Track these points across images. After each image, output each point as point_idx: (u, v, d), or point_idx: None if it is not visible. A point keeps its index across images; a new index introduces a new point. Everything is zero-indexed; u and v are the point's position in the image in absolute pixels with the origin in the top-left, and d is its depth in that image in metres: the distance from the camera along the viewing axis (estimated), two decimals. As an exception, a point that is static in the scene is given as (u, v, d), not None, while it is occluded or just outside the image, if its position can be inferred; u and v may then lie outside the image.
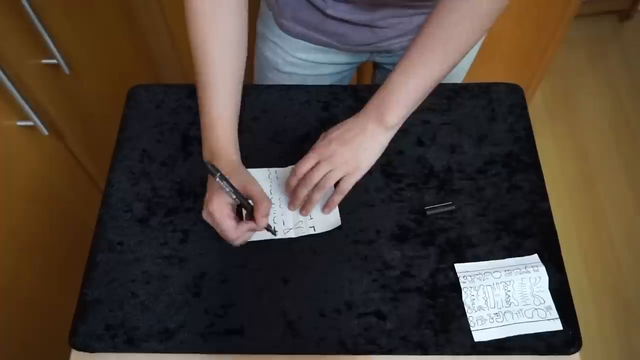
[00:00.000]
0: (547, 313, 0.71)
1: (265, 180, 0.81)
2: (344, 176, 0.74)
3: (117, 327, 0.71)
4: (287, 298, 0.72)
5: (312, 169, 0.74)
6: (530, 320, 0.70)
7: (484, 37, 0.98)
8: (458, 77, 1.05)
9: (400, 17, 0.85)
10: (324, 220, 0.78)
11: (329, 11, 0.84)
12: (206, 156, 0.73)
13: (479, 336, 0.70)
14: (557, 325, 0.70)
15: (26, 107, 0.87)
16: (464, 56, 0.71)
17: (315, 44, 0.93)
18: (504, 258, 0.75)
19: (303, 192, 0.75)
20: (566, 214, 1.71)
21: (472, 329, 0.70)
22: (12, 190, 0.92)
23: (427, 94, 0.73)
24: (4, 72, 0.82)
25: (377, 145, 0.74)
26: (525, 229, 0.77)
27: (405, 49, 0.72)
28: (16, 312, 0.97)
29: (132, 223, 0.78)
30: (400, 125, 0.74)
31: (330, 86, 0.92)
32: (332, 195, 0.76)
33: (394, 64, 0.73)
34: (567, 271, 0.74)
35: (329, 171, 0.73)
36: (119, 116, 0.89)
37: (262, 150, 0.84)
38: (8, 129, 0.89)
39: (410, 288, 0.73)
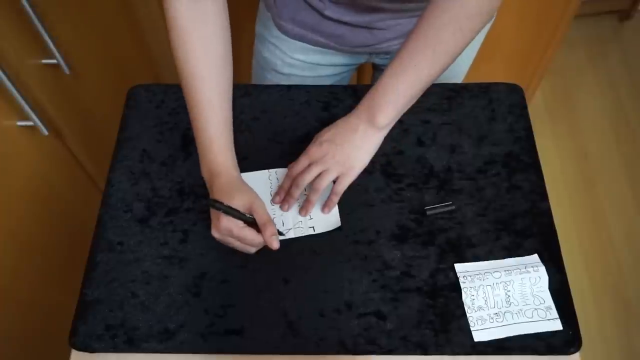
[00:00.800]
0: (547, 313, 0.71)
1: (265, 181, 0.81)
2: (339, 177, 0.74)
3: (117, 327, 0.71)
4: (287, 298, 0.72)
5: (304, 170, 0.74)
6: (530, 320, 0.70)
7: (483, 38, 0.98)
8: (458, 77, 1.05)
9: (398, 18, 0.85)
10: (323, 220, 0.78)
11: (327, 12, 0.84)
12: (205, 173, 0.73)
13: (479, 336, 0.70)
14: (557, 325, 0.70)
15: (26, 107, 0.87)
16: (454, 59, 0.71)
17: (314, 45, 0.93)
18: (504, 258, 0.75)
19: (296, 193, 0.76)
20: (566, 214, 1.71)
21: (472, 329, 0.70)
22: (11, 190, 0.92)
23: (418, 95, 0.73)
24: (4, 72, 0.82)
25: (370, 145, 0.74)
26: (525, 229, 0.77)
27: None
28: (16, 312, 0.97)
29: (132, 223, 0.78)
30: (391, 126, 0.74)
31: (330, 86, 0.92)
32: (329, 196, 0.76)
33: None
34: (567, 271, 0.74)
35: (323, 172, 0.73)
36: (119, 116, 0.89)
37: (262, 151, 0.84)
38: (8, 129, 0.89)
39: (410, 288, 0.73)
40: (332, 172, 0.73)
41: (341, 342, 0.70)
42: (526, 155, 0.84)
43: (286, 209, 0.78)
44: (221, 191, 0.70)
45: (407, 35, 0.71)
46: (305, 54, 0.94)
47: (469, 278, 0.72)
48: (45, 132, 0.92)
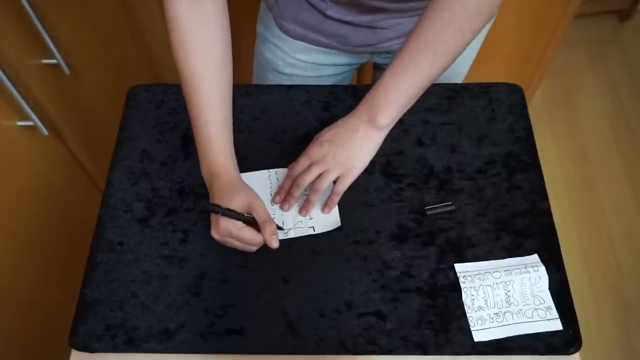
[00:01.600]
0: (547, 313, 0.71)
1: (265, 181, 0.81)
2: (339, 177, 0.74)
3: (117, 327, 0.71)
4: (287, 298, 0.72)
5: (304, 171, 0.74)
6: (530, 320, 0.70)
7: (483, 37, 0.98)
8: (458, 77, 1.05)
9: (399, 17, 0.85)
10: (323, 220, 0.78)
11: (329, 12, 0.84)
12: (204, 174, 0.74)
13: (479, 336, 0.70)
14: (557, 325, 0.70)
15: (26, 107, 0.87)
16: (455, 59, 0.71)
17: (316, 45, 0.93)
18: (504, 258, 0.75)
19: (296, 193, 0.76)
20: (566, 214, 1.71)
21: (472, 329, 0.70)
22: (11, 190, 0.92)
23: (419, 95, 0.73)
24: (4, 72, 0.82)
25: (371, 145, 0.74)
26: (525, 229, 0.77)
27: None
28: (16, 312, 0.97)
29: (132, 223, 0.78)
30: (392, 126, 0.74)
31: (330, 86, 0.92)
32: (329, 196, 0.76)
33: None
34: (567, 271, 0.74)
35: (323, 172, 0.73)
36: (119, 116, 0.89)
37: (262, 151, 0.84)
38: (8, 129, 0.89)
39: (410, 288, 0.73)
40: (332, 172, 0.73)
41: (341, 342, 0.70)
42: (526, 155, 0.84)
43: (286, 209, 0.78)
44: (220, 191, 0.71)
45: (407, 35, 0.71)
46: (307, 54, 0.94)
47: (469, 278, 0.72)
48: (45, 132, 0.92)
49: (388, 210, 0.79)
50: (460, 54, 0.71)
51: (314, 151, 0.74)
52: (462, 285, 0.72)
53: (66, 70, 0.97)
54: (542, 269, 0.72)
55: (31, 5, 0.86)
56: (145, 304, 0.72)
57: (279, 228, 0.75)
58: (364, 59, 0.98)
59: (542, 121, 1.88)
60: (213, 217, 0.71)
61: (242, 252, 0.73)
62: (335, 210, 0.79)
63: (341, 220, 0.78)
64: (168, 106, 0.89)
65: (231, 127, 0.75)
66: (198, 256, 0.76)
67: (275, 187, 0.81)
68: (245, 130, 0.86)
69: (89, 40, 1.12)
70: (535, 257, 0.75)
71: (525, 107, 0.88)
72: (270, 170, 0.83)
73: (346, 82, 1.07)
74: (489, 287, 0.72)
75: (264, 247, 0.75)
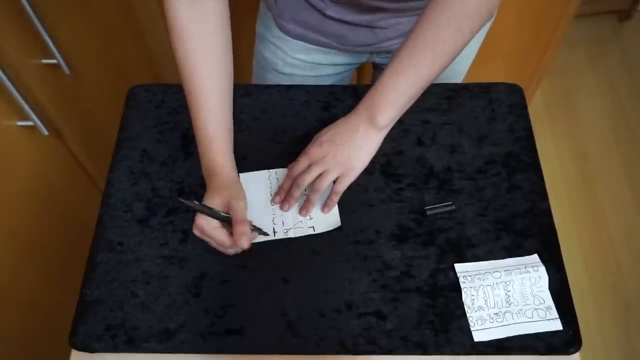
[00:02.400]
0: (547, 313, 0.71)
1: (265, 181, 0.81)
2: (339, 177, 0.74)
3: (117, 327, 0.71)
4: (287, 298, 0.72)
5: (304, 171, 0.74)
6: (530, 320, 0.70)
7: (483, 37, 0.98)
8: (458, 76, 1.05)
9: (399, 17, 0.85)
10: (323, 220, 0.78)
11: (329, 12, 0.84)
12: (204, 172, 0.74)
13: (479, 336, 0.70)
14: (557, 325, 0.70)
15: (26, 107, 0.87)
16: (454, 58, 0.71)
17: (315, 45, 0.93)
18: (504, 258, 0.75)
19: (296, 193, 0.76)
20: (566, 214, 1.71)
21: (472, 329, 0.70)
22: (11, 190, 0.92)
23: (418, 95, 0.73)
24: (4, 72, 0.82)
25: (371, 145, 0.74)
26: (525, 229, 0.77)
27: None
28: (16, 312, 0.97)
29: (132, 223, 0.78)
30: (392, 126, 0.74)
31: (330, 86, 0.92)
32: (329, 196, 0.76)
33: None
34: (567, 271, 0.74)
35: (323, 172, 0.73)
36: (119, 116, 0.89)
37: (262, 150, 0.84)
38: (8, 129, 0.89)
39: (410, 288, 0.73)
40: (332, 172, 0.74)
41: (341, 342, 0.70)
42: (526, 155, 0.84)
43: (286, 209, 0.78)
44: (212, 190, 0.71)
45: (406, 34, 0.71)
46: (307, 53, 0.94)
47: (469, 278, 0.72)
48: (45, 132, 0.92)
49: (388, 210, 0.79)
50: (459, 53, 0.71)
51: (314, 151, 0.74)
52: (462, 285, 0.72)
53: (66, 70, 0.97)
54: (542, 269, 0.72)
55: (31, 5, 0.86)
56: (145, 304, 0.72)
57: (263, 234, 0.75)
58: (363, 58, 0.98)
59: (542, 121, 1.88)
60: (197, 213, 0.71)
61: (242, 252, 0.73)
62: (335, 210, 0.79)
63: (341, 220, 0.78)
64: (168, 106, 0.89)
65: (231, 126, 0.75)
66: (198, 256, 0.76)
67: (275, 187, 0.81)
68: (245, 130, 0.86)
69: (89, 40, 1.12)
70: (535, 257, 0.75)
71: (525, 107, 0.88)
72: (270, 170, 0.82)
73: (346, 82, 1.07)
74: (489, 287, 0.72)
75: (263, 247, 0.75)
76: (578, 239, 1.67)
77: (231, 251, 0.73)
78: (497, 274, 0.72)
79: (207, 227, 0.70)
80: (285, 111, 0.89)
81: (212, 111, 0.72)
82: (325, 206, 0.78)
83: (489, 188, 0.81)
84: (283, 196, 0.78)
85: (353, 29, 0.87)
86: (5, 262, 0.92)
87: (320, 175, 0.74)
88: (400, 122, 0.75)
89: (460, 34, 0.69)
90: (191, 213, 0.79)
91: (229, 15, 0.73)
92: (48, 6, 0.93)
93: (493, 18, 0.94)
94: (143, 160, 0.84)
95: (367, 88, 0.75)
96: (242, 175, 0.79)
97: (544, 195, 0.80)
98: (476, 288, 0.72)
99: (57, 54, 0.94)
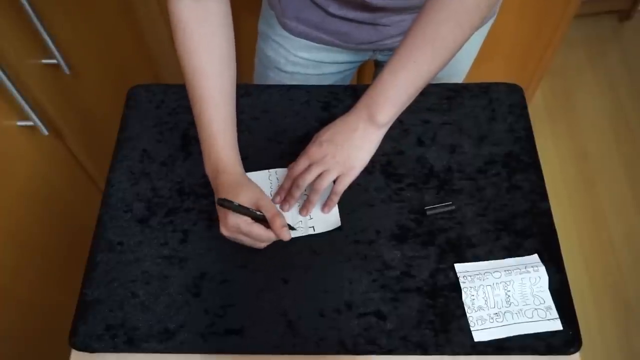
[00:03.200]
0: (547, 313, 0.71)
1: (265, 181, 0.81)
2: (339, 176, 0.74)
3: (117, 327, 0.71)
4: (287, 298, 0.72)
5: (304, 171, 0.74)
6: (530, 320, 0.70)
7: (484, 37, 0.98)
8: (458, 77, 1.04)
9: (402, 15, 0.85)
10: (323, 220, 0.78)
11: (332, 10, 0.84)
12: (208, 171, 0.73)
13: (479, 336, 0.70)
14: (557, 325, 0.70)
15: (26, 107, 0.87)
16: (454, 55, 0.71)
17: (318, 43, 0.92)
18: (504, 258, 0.75)
19: (297, 193, 0.76)
20: (566, 214, 1.71)
21: (472, 329, 0.70)
22: (11, 190, 0.92)
23: (418, 92, 0.73)
24: (4, 72, 0.82)
25: (370, 144, 0.74)
26: (525, 229, 0.77)
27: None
28: (16, 312, 0.97)
29: (132, 223, 0.78)
30: (391, 124, 0.74)
31: (330, 86, 0.92)
32: (329, 196, 0.76)
33: None
34: (567, 271, 0.74)
35: (323, 172, 0.73)
36: (119, 116, 0.89)
37: (262, 151, 0.84)
38: (8, 129, 0.89)
39: (410, 288, 0.73)
40: (332, 172, 0.73)
41: (341, 342, 0.70)
42: (526, 155, 0.84)
43: (287, 209, 0.78)
44: (226, 187, 0.70)
45: (406, 32, 0.70)
46: (309, 51, 0.94)
47: (469, 278, 0.72)
48: (45, 132, 0.92)
49: (388, 210, 0.79)
50: (459, 49, 0.71)
51: (314, 151, 0.74)
52: (462, 285, 0.72)
53: (66, 70, 0.97)
54: (542, 269, 0.72)
55: (31, 5, 0.86)
56: (145, 304, 0.72)
57: (292, 228, 0.75)
58: (366, 56, 0.98)
59: (542, 121, 1.88)
60: (221, 213, 0.71)
61: (242, 252, 0.73)
62: (335, 210, 0.79)
63: (341, 220, 0.78)
64: (168, 106, 0.89)
65: (235, 124, 0.75)
66: (198, 256, 0.76)
67: (275, 187, 0.81)
68: (245, 130, 0.86)
69: (89, 40, 1.12)
70: (535, 257, 0.75)
71: (525, 107, 0.88)
72: (270, 170, 0.83)
73: (348, 80, 1.07)
74: (489, 287, 0.72)
75: (264, 247, 0.75)
76: (578, 239, 1.67)
77: (263, 245, 0.73)
78: (497, 274, 0.72)
79: (244, 225, 0.69)
80: (285, 111, 0.89)
81: (216, 109, 0.72)
82: (325, 206, 0.78)
83: (489, 188, 0.81)
84: (283, 196, 0.78)
85: (356, 27, 0.87)
86: (5, 262, 0.92)
87: (320, 175, 0.74)
88: (400, 122, 0.75)
89: (460, 30, 0.69)
90: (191, 213, 0.79)
91: (231, 13, 0.73)
92: (48, 6, 0.93)
93: (495, 15, 0.94)
94: (143, 160, 0.84)
95: (367, 88, 0.74)
96: (242, 175, 0.79)
97: (544, 195, 0.80)
98: (476, 288, 0.72)
99: (57, 54, 0.94)
